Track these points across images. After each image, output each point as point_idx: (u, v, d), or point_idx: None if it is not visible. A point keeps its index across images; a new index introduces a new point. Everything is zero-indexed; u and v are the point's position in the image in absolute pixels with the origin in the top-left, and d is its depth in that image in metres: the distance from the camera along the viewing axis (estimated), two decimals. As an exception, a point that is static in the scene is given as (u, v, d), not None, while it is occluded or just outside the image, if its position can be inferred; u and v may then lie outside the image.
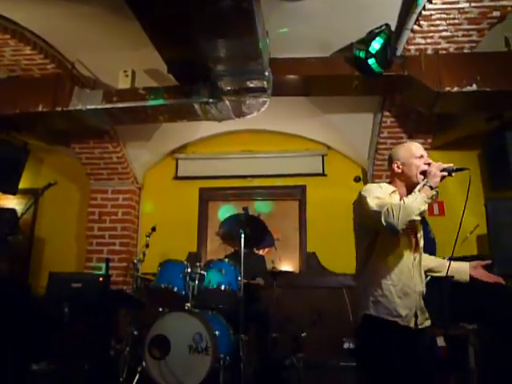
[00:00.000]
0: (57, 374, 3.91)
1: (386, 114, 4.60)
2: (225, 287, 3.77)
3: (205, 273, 3.84)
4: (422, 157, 2.20)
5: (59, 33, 3.76)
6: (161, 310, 3.90)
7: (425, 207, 1.99)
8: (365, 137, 5.12)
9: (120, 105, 3.92)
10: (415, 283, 2.14)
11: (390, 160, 2.33)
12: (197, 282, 3.80)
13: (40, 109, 4.04)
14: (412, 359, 2.07)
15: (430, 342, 2.18)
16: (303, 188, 5.64)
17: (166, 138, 5.43)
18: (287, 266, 5.35)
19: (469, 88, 3.62)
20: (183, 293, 3.77)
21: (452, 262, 2.28)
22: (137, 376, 3.51)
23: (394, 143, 4.89)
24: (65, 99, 4.01)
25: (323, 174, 5.60)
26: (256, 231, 4.26)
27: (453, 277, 2.35)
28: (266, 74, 3.42)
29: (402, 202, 2.00)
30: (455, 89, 3.63)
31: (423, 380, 2.09)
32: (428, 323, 2.17)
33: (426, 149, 4.91)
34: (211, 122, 4.28)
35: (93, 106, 3.95)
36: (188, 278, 3.80)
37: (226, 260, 4.01)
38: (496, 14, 3.28)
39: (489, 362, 3.80)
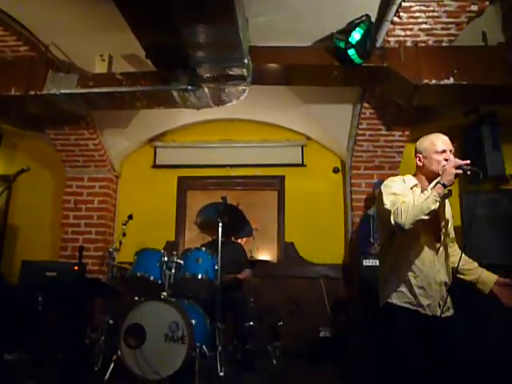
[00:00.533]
0: (31, 364, 3.85)
1: (366, 105, 4.61)
2: (202, 276, 3.76)
3: (182, 262, 3.83)
4: (444, 152, 2.16)
5: (33, 14, 3.63)
6: (137, 298, 3.88)
7: (435, 206, 1.99)
8: (344, 128, 5.13)
9: (96, 90, 3.82)
10: (436, 274, 2.15)
11: (415, 152, 2.33)
12: (173, 270, 3.78)
13: (12, 92, 3.91)
14: (431, 346, 2.12)
15: (454, 331, 2.17)
16: (282, 178, 5.64)
17: (144, 125, 5.34)
18: (265, 255, 5.36)
19: (446, 81, 3.65)
20: (159, 282, 3.75)
21: (485, 271, 2.33)
22: (112, 365, 3.49)
23: (373, 135, 4.94)
24: (38, 83, 3.89)
25: (302, 165, 5.61)
26: (234, 220, 4.26)
27: (475, 284, 2.33)
28: (246, 61, 3.38)
29: (412, 200, 2.03)
30: (433, 81, 3.66)
31: (443, 369, 2.10)
32: (450, 312, 2.19)
33: (404, 141, 5.03)
34: (190, 111, 4.22)
35: (67, 91, 3.84)
36: (165, 267, 3.78)
37: (203, 249, 4.00)
38: (474, 7, 3.32)
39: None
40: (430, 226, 2.16)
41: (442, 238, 2.21)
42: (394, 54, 3.69)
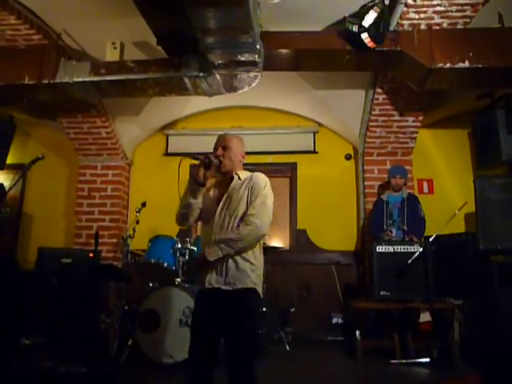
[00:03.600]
0: (47, 348, 3.93)
1: (378, 90, 4.56)
2: (214, 262, 3.78)
3: (195, 248, 3.86)
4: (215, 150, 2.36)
5: (44, 1, 3.65)
6: (151, 284, 3.93)
7: (187, 201, 2.28)
8: (356, 114, 5.09)
9: (108, 77, 3.83)
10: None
11: None
12: (187, 257, 3.82)
13: (26, 81, 3.93)
14: (203, 319, 2.20)
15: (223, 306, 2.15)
16: (294, 165, 5.63)
17: (155, 113, 5.35)
18: (277, 242, 5.37)
19: (461, 64, 3.59)
20: (173, 268, 3.79)
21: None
22: (127, 349, 3.55)
23: (386, 121, 4.89)
24: (51, 71, 3.90)
25: (314, 152, 5.59)
26: (246, 207, 4.26)
27: None
28: (258, 47, 3.35)
29: None
30: (447, 65, 3.60)
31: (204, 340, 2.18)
32: (223, 286, 2.15)
33: (417, 127, 4.99)
34: (202, 98, 4.22)
35: (80, 79, 3.86)
36: (178, 254, 3.82)
37: (216, 235, 4.01)
38: (491, -12, 3.25)
39: (471, 335, 3.90)
40: (208, 206, 2.32)
41: (217, 213, 2.26)
42: (407, 38, 3.63)
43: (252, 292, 2.18)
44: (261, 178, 2.32)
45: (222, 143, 2.34)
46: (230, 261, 2.18)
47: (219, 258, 2.15)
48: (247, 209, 2.22)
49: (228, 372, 2.07)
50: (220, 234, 2.21)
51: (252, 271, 2.20)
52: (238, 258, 2.19)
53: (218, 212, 2.26)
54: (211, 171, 2.25)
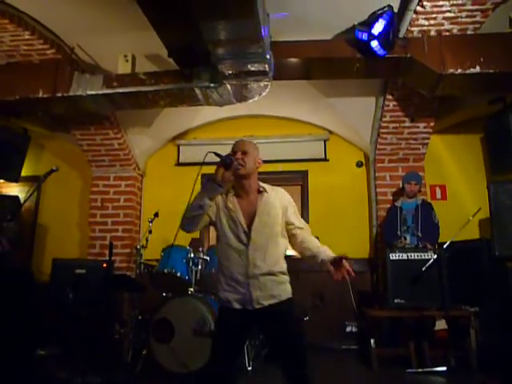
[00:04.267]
0: (62, 359, 3.95)
1: (389, 97, 4.56)
2: (228, 272, 3.79)
3: (208, 258, 3.87)
4: (235, 153, 2.29)
5: (58, 17, 3.71)
6: (164, 294, 3.94)
7: (201, 202, 2.16)
8: (367, 121, 5.09)
9: (121, 90, 3.88)
10: (246, 268, 2.18)
11: None
12: (200, 266, 3.83)
13: (40, 95, 4.01)
14: (241, 337, 2.23)
15: (281, 317, 2.20)
16: (305, 173, 5.63)
17: (167, 123, 5.41)
18: (289, 250, 5.35)
19: (472, 70, 3.59)
20: (186, 277, 3.81)
21: (326, 252, 2.34)
22: (141, 359, 3.56)
23: (397, 127, 4.87)
24: (65, 85, 3.98)
25: (325, 159, 5.59)
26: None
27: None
28: (267, 56, 3.38)
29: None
30: (458, 71, 3.59)
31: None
32: (276, 300, 2.20)
33: (429, 133, 4.96)
34: (212, 108, 4.25)
35: (93, 92, 3.92)
36: (191, 263, 3.84)
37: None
38: (500, -7, 3.24)
39: (488, 342, 3.84)
40: (233, 222, 2.23)
41: (253, 232, 2.21)
42: (417, 44, 3.63)
43: (292, 300, 2.30)
44: (285, 192, 2.41)
45: (242, 148, 2.31)
46: (274, 276, 2.23)
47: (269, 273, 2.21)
48: (284, 221, 2.34)
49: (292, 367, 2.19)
50: (257, 252, 2.20)
51: (288, 281, 2.33)
52: (279, 273, 2.26)
53: (253, 229, 2.22)
54: (229, 173, 2.21)
